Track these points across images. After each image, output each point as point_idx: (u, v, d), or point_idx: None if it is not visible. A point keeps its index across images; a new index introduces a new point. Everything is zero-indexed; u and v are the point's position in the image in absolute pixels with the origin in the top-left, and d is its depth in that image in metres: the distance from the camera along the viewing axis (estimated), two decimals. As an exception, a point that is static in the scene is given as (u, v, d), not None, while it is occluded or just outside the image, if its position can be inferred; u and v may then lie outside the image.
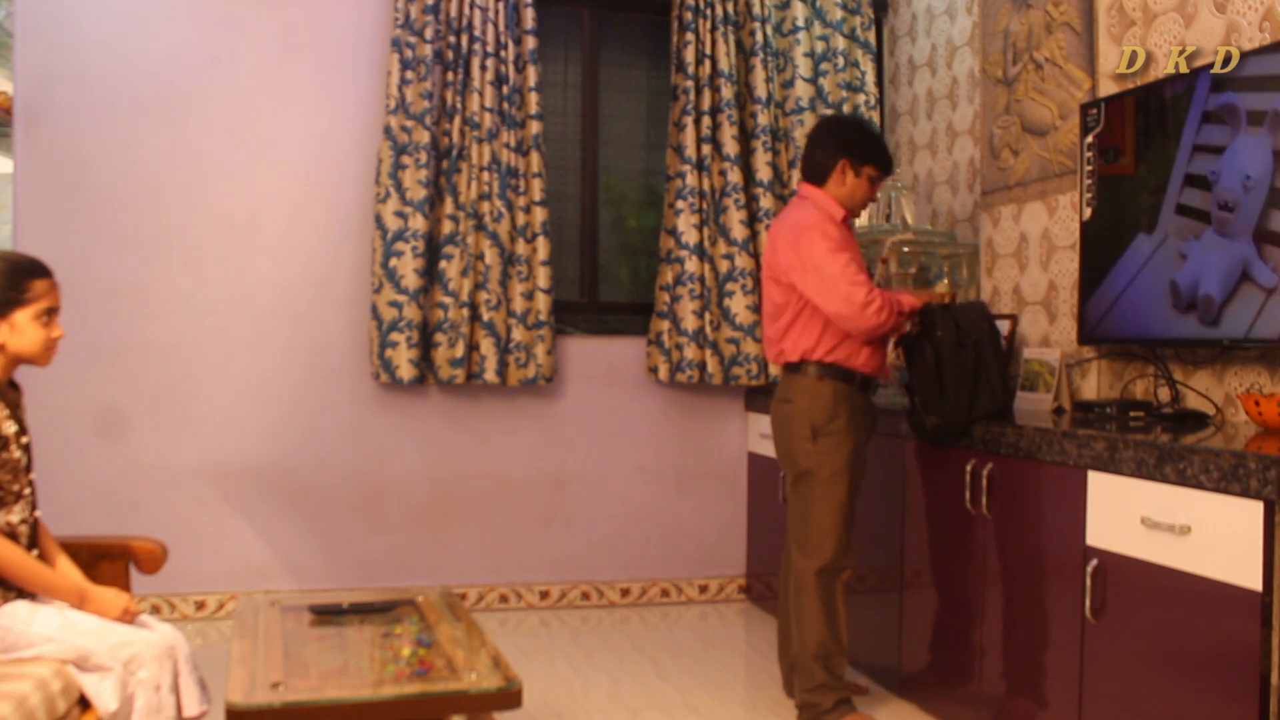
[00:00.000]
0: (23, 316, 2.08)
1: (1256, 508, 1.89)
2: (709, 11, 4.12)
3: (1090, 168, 2.97)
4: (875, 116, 4.34)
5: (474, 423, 4.07)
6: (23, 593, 2.06)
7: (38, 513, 2.16)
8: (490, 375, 3.93)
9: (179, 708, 2.08)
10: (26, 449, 2.13)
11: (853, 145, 2.90)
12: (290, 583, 3.91)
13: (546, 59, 4.20)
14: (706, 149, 4.12)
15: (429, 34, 3.88)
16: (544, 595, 4.15)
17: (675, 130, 4.14)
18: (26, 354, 2.10)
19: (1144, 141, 2.80)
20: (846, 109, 4.30)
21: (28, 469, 2.13)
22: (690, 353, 4.09)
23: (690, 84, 4.10)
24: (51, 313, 2.12)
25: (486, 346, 3.92)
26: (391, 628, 2.29)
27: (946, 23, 4.01)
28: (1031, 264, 3.46)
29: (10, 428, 2.08)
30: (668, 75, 4.23)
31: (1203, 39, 2.76)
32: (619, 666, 3.45)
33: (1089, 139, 2.97)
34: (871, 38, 4.37)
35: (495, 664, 1.97)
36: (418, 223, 3.85)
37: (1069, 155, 3.27)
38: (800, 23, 4.24)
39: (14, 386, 2.17)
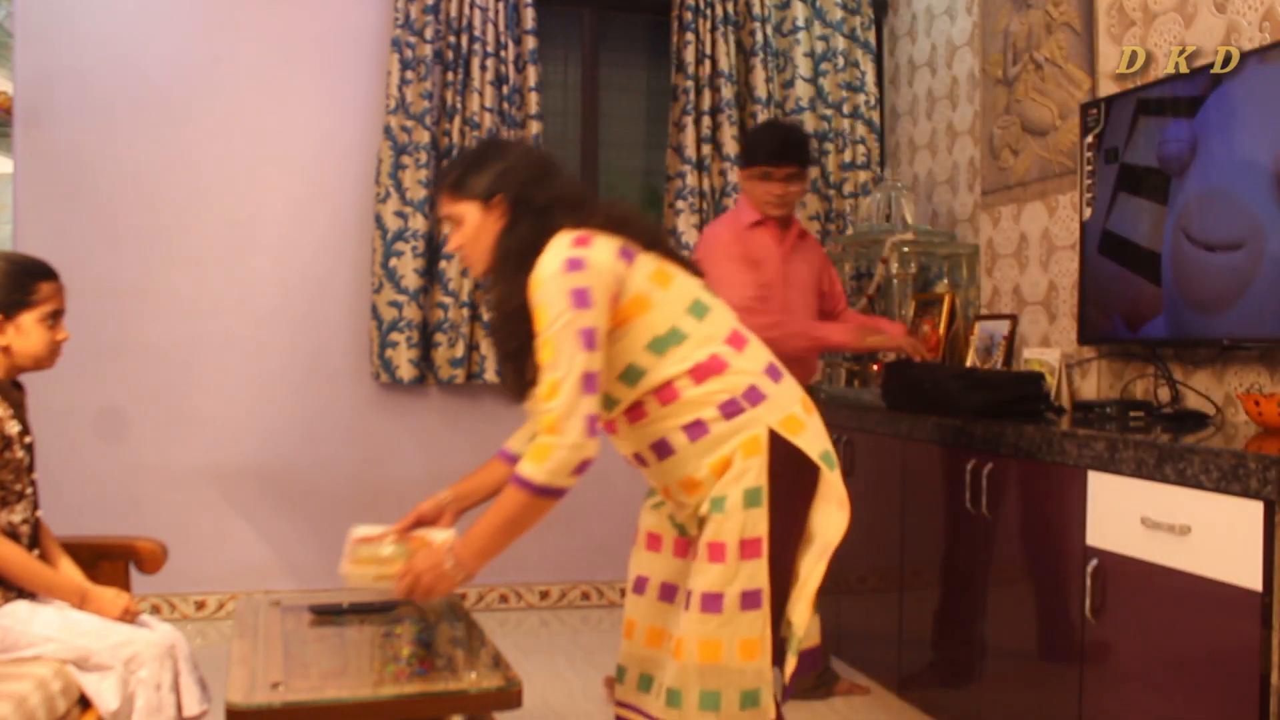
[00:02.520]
0: (29, 319, 2.08)
1: (1256, 508, 1.89)
2: (709, 11, 4.12)
3: (1090, 168, 2.97)
4: (875, 116, 4.34)
5: (474, 423, 4.07)
6: (23, 592, 2.06)
7: (39, 512, 2.16)
8: (490, 375, 3.93)
9: (179, 707, 2.08)
10: (29, 449, 2.13)
11: (740, 152, 3.07)
12: (290, 583, 3.90)
13: (546, 59, 4.20)
14: (706, 149, 4.12)
15: (429, 34, 3.88)
16: (544, 595, 4.15)
17: (675, 130, 4.14)
18: (32, 356, 2.10)
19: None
20: (846, 109, 4.30)
21: (30, 469, 2.13)
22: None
23: (690, 84, 4.10)
24: (57, 315, 2.12)
25: (486, 346, 3.92)
26: (391, 628, 2.29)
27: (946, 23, 4.01)
28: (1031, 264, 3.46)
29: (13, 428, 2.08)
30: (668, 75, 4.23)
31: (1203, 39, 2.76)
32: (619, 666, 3.45)
33: (1089, 139, 2.97)
34: (871, 38, 4.37)
35: (495, 664, 1.97)
36: (418, 223, 3.85)
37: (1069, 155, 3.27)
38: (800, 23, 4.24)
39: (17, 387, 2.17)
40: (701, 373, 1.82)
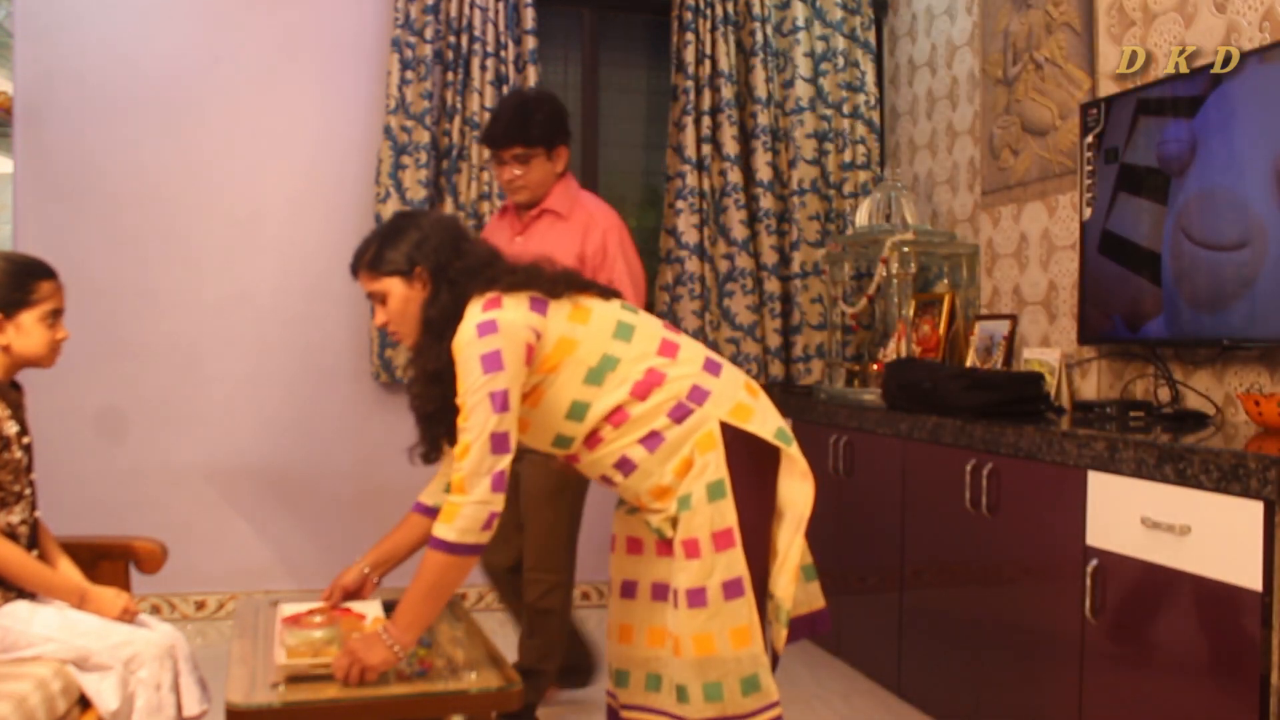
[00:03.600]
0: (29, 318, 2.08)
1: (1256, 508, 1.89)
2: (709, 11, 4.12)
3: (1090, 168, 2.97)
4: (875, 116, 4.34)
5: (474, 423, 4.07)
6: (23, 593, 2.06)
7: (38, 513, 2.16)
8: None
9: (179, 707, 2.08)
10: (28, 449, 2.13)
11: None
12: (290, 583, 3.90)
13: (546, 59, 4.20)
14: (706, 149, 4.12)
15: (429, 34, 3.88)
16: (544, 595, 4.14)
17: (675, 130, 4.14)
18: (32, 355, 2.10)
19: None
20: (846, 109, 4.30)
21: (28, 469, 2.13)
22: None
23: (690, 84, 4.10)
24: (57, 314, 2.12)
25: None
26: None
27: (946, 23, 4.01)
28: (1031, 264, 3.46)
29: (12, 428, 2.08)
30: (668, 75, 4.23)
31: (1203, 39, 2.76)
32: (619, 666, 3.45)
33: (1089, 139, 2.97)
34: (871, 38, 4.37)
35: (495, 664, 1.97)
36: (418, 223, 3.84)
37: (1069, 155, 3.27)
38: (800, 23, 4.24)
39: (16, 387, 2.17)
40: (643, 389, 1.90)
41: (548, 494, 2.86)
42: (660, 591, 2.01)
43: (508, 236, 2.91)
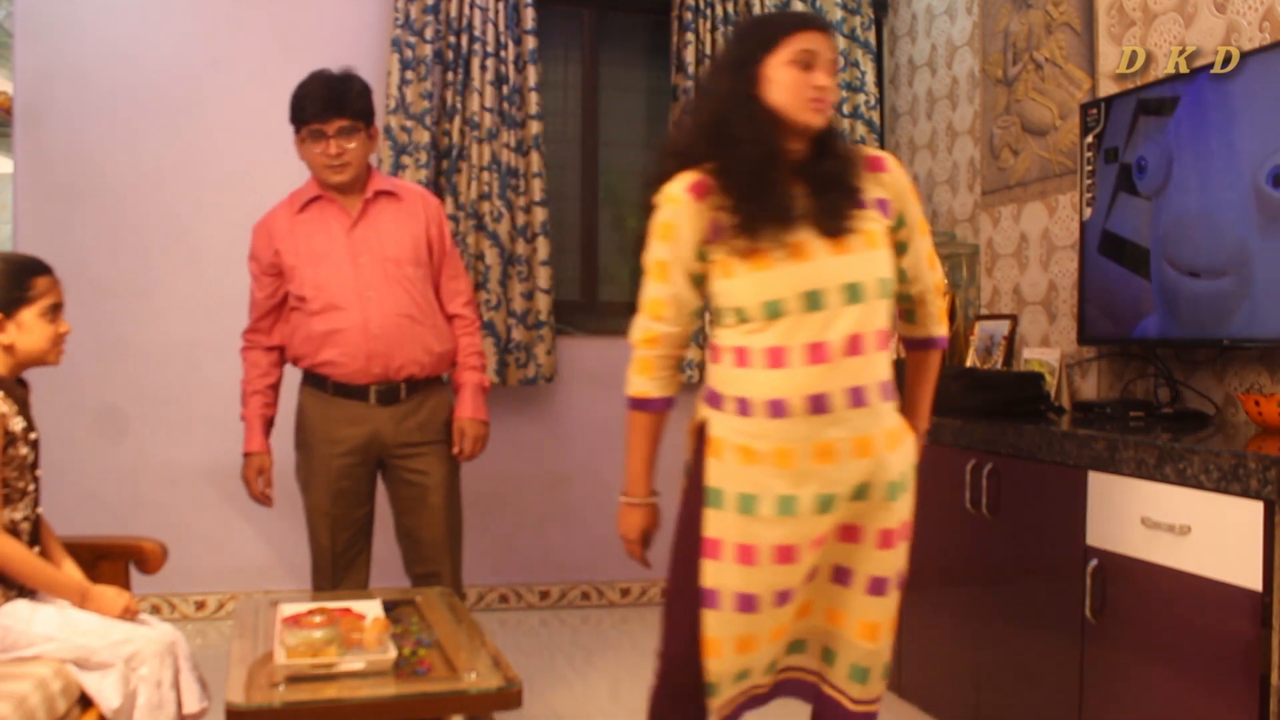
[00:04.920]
0: (29, 315, 2.08)
1: (1256, 508, 1.89)
2: (709, 11, 4.12)
3: (1090, 168, 2.97)
4: (875, 116, 4.34)
5: (474, 423, 4.06)
6: (23, 591, 2.06)
7: (39, 509, 2.16)
8: (490, 375, 3.93)
9: (179, 705, 2.08)
10: (34, 445, 2.13)
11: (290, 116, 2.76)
12: (290, 583, 3.90)
13: (546, 59, 4.20)
14: (706, 149, 4.12)
15: (429, 34, 3.88)
16: (544, 595, 4.14)
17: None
18: (36, 352, 2.10)
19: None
20: (846, 109, 4.30)
21: (34, 465, 2.13)
22: (690, 352, 4.09)
23: (690, 84, 4.10)
24: (56, 309, 2.13)
25: (486, 346, 3.92)
26: (391, 628, 2.29)
27: (946, 23, 4.01)
28: (1031, 264, 3.46)
29: (18, 424, 2.08)
30: (668, 75, 4.23)
31: (1203, 39, 2.76)
32: (619, 666, 3.45)
33: (1089, 139, 2.97)
34: (871, 38, 4.37)
35: (495, 664, 1.97)
36: (418, 223, 3.85)
37: (1069, 155, 3.27)
38: (800, 23, 4.23)
39: (22, 384, 2.17)
40: (884, 339, 1.90)
41: (452, 482, 2.87)
42: (784, 597, 1.89)
43: (341, 227, 2.74)
